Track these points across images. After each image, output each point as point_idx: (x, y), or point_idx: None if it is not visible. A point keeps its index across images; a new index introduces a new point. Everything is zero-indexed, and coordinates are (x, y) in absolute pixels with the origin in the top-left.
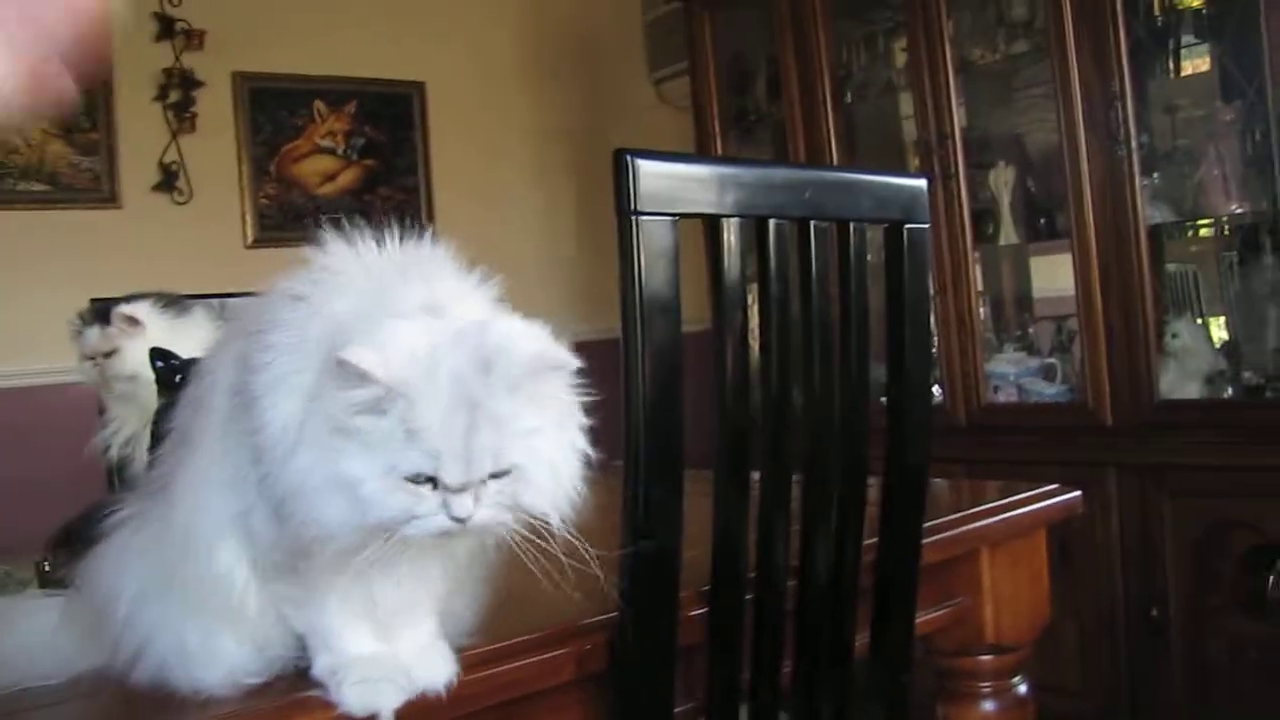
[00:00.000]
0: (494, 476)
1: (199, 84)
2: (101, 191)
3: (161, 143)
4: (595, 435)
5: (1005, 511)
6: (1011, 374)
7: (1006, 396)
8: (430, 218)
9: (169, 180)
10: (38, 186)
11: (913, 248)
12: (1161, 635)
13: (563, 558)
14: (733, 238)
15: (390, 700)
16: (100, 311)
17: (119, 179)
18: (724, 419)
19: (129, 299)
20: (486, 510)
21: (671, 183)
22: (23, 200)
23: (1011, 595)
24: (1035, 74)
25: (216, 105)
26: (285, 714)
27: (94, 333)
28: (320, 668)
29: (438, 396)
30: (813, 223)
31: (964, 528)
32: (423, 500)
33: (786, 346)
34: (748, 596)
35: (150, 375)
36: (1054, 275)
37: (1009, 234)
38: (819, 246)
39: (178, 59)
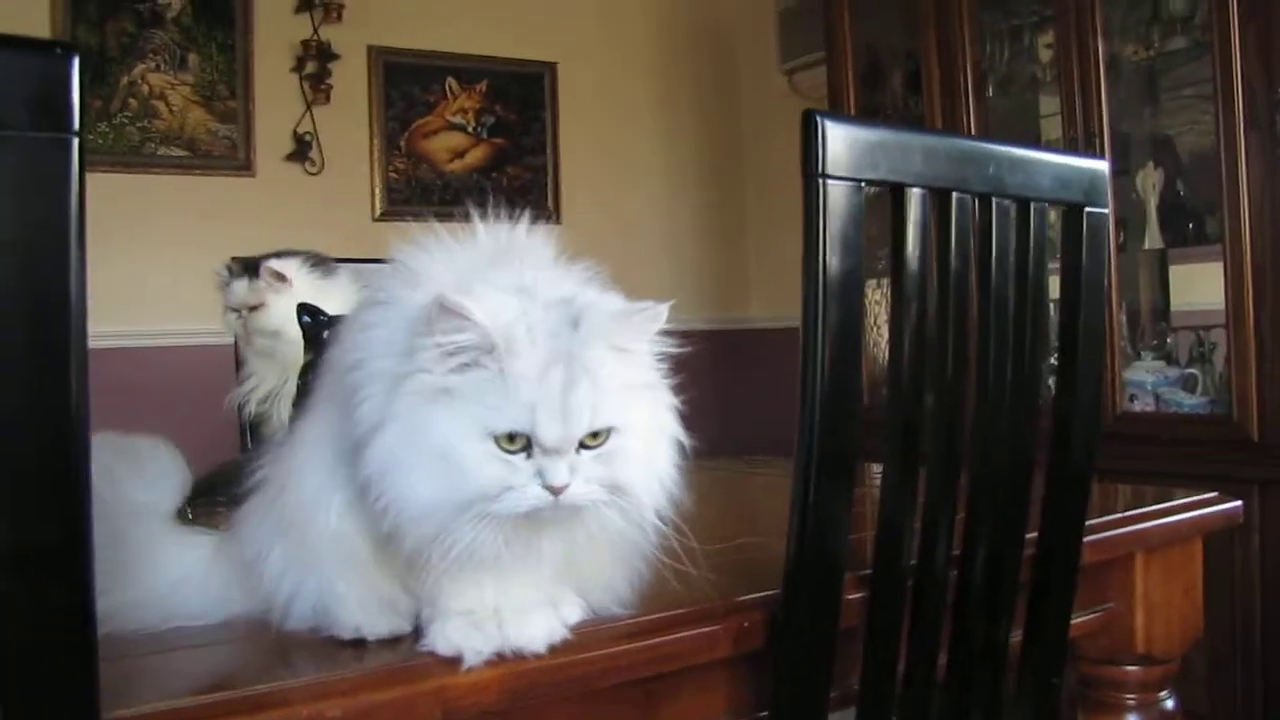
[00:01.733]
0: (588, 446)
1: (335, 56)
2: (237, 159)
3: (296, 113)
4: (692, 421)
5: (1164, 516)
6: (1149, 383)
7: (1143, 406)
8: (556, 198)
9: (302, 150)
10: (177, 152)
11: (1092, 233)
12: None
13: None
14: (916, 210)
15: (476, 644)
16: (249, 265)
17: (254, 147)
18: (896, 404)
19: (279, 255)
20: (581, 485)
21: (859, 147)
22: (162, 165)
23: (1164, 604)
24: (1190, 72)
25: (351, 78)
26: (402, 672)
27: (241, 285)
28: (424, 619)
29: (534, 348)
30: (994, 199)
31: (1120, 530)
32: (517, 470)
33: (963, 329)
34: (908, 583)
35: (294, 333)
36: (1195, 282)
37: (1153, 238)
38: (1000, 225)
39: (315, 31)
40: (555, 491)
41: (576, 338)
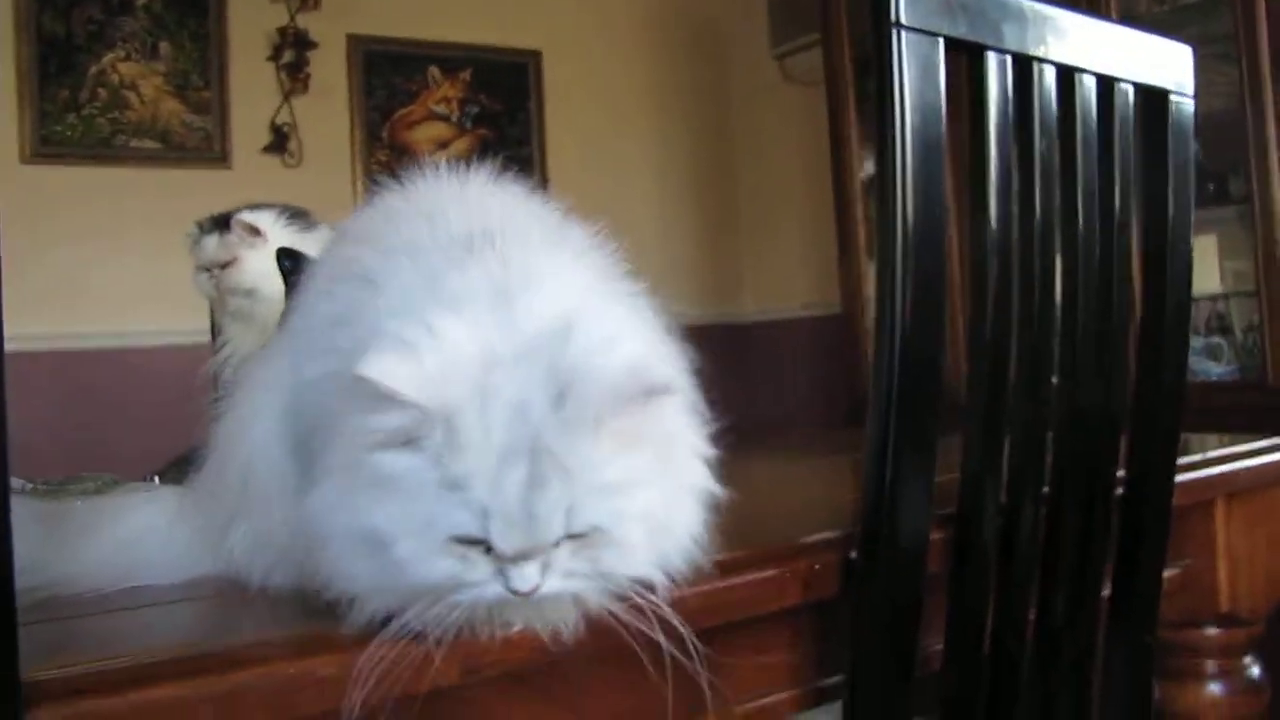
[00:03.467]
0: (568, 538)
1: (313, 45)
2: (212, 151)
3: (273, 104)
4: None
5: (1250, 458)
6: None
7: None
8: (543, 189)
9: (280, 142)
10: (149, 144)
11: (1178, 123)
12: None
13: (662, 640)
14: (996, 80)
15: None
16: (220, 220)
17: (230, 139)
18: (979, 322)
19: (253, 208)
20: (557, 582)
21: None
22: (134, 157)
23: (1248, 558)
24: (1207, 29)
25: (330, 68)
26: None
27: (212, 241)
28: None
29: (489, 432)
30: (1078, 75)
31: (1201, 473)
32: (473, 567)
33: (1050, 219)
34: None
35: (270, 290)
36: (1207, 251)
37: None
38: (1083, 106)
39: (292, 19)
40: (521, 595)
41: (555, 421)
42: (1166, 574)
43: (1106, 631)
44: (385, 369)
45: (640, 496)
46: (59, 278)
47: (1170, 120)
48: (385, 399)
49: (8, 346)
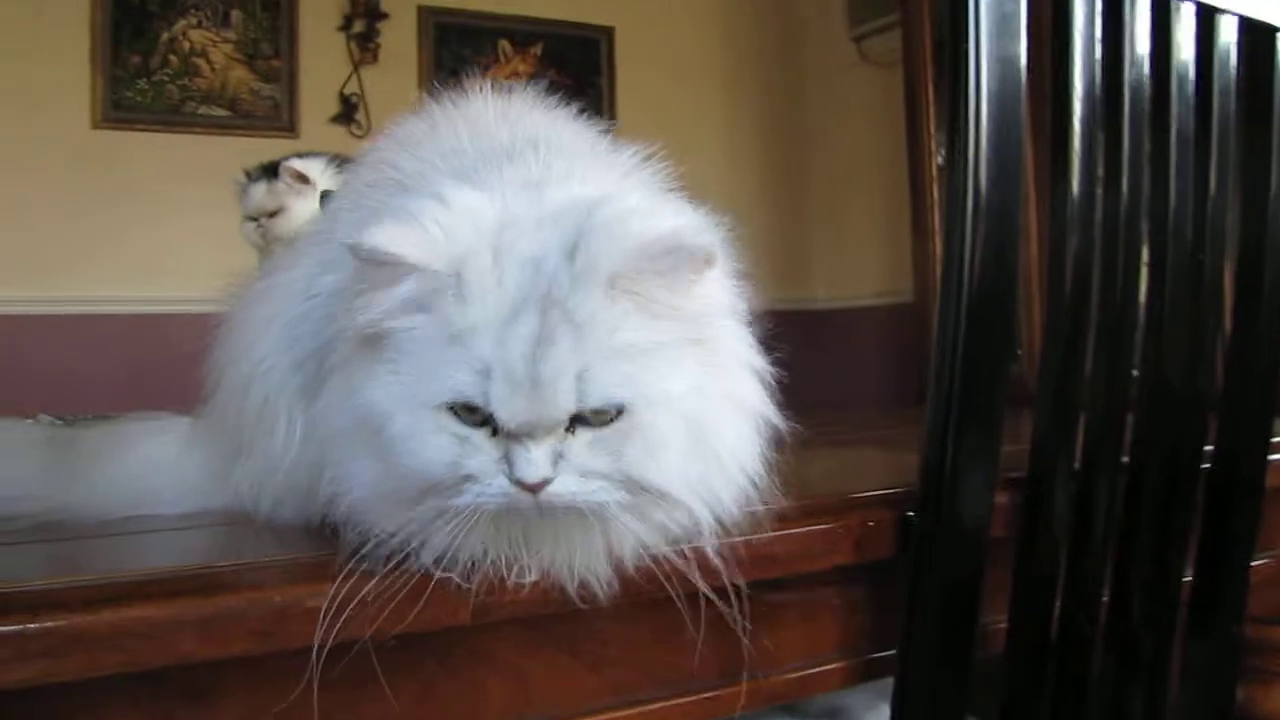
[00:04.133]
0: (588, 422)
1: (384, 16)
2: (280, 120)
3: (343, 74)
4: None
5: None
6: None
7: None
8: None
9: (348, 112)
10: (218, 111)
11: None
12: None
13: (704, 587)
14: (1082, 15)
15: None
16: (269, 168)
17: (299, 108)
18: (1057, 276)
19: (301, 156)
20: (572, 481)
21: None
22: (202, 124)
23: None
24: None
25: (400, 39)
26: None
27: (259, 189)
28: None
29: (499, 286)
30: (1178, 4)
31: None
32: (476, 450)
33: (1138, 180)
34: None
35: None
36: None
37: None
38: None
39: None
40: (528, 489)
41: (568, 272)
42: (1255, 563)
43: (1186, 623)
44: (388, 236)
45: (670, 378)
46: (128, 241)
47: (1278, 59)
48: (389, 267)
49: (76, 309)
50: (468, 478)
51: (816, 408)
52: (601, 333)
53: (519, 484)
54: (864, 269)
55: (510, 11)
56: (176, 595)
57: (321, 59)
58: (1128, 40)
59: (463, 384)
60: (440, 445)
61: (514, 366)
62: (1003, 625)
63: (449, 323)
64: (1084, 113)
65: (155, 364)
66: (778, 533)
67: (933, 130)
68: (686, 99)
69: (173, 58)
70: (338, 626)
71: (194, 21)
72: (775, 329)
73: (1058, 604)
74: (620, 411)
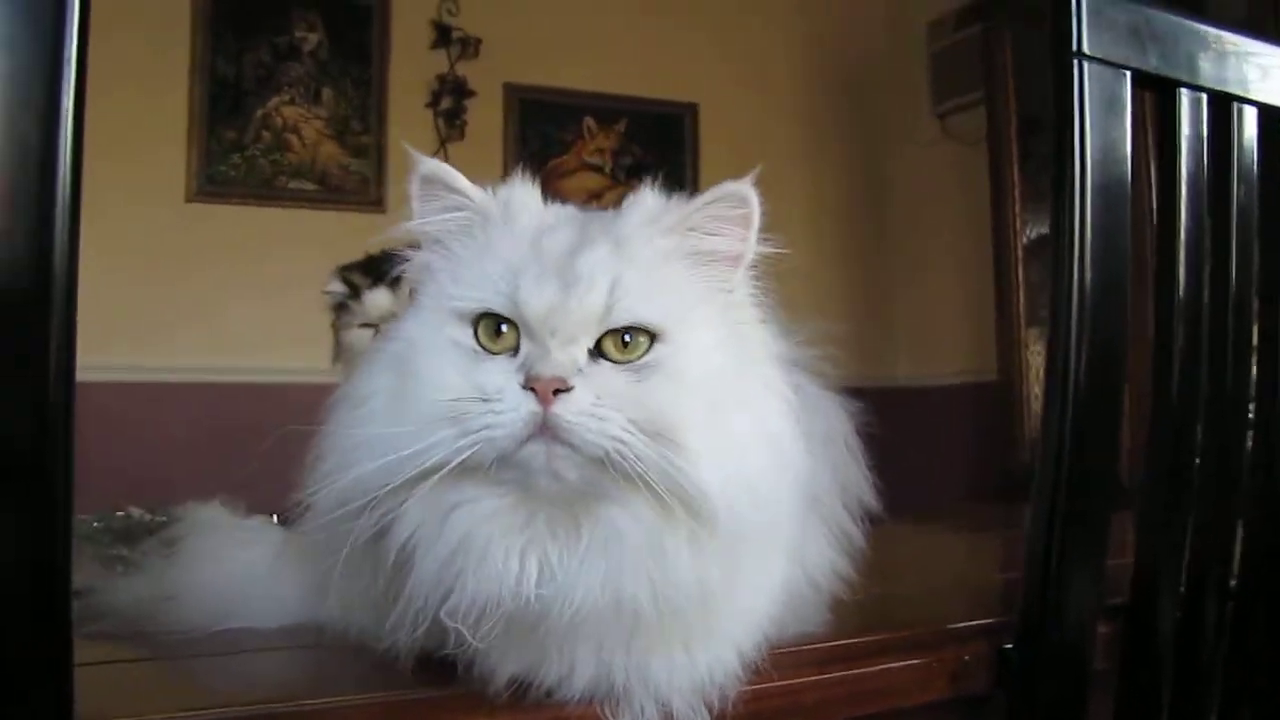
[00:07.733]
0: (612, 359)
1: (471, 93)
2: (369, 195)
3: (430, 150)
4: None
5: None
6: None
7: None
8: None
9: None
10: (309, 186)
11: None
12: None
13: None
14: (1189, 120)
15: None
16: (373, 270)
17: (386, 183)
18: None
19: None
20: (587, 401)
21: (1130, 24)
22: (292, 198)
23: None
24: None
25: (487, 115)
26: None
27: (382, 296)
28: None
29: (541, 213)
30: None
31: None
32: (494, 370)
33: (1246, 284)
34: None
35: None
36: None
37: None
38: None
39: (452, 67)
40: (540, 387)
41: (613, 217)
42: None
43: None
44: (444, 168)
45: (702, 329)
46: (219, 312)
47: None
48: (445, 192)
49: (162, 377)
50: (485, 400)
51: (900, 494)
52: (644, 251)
53: (533, 382)
54: (946, 346)
55: (594, 89)
56: None
57: (410, 135)
58: (1235, 125)
59: (493, 287)
60: (459, 363)
61: (547, 264)
62: None
63: (489, 244)
64: (1190, 209)
65: (241, 433)
66: (869, 669)
67: (1018, 209)
68: (769, 174)
69: (265, 133)
70: None
71: (287, 98)
72: (860, 407)
73: None
74: (649, 346)
